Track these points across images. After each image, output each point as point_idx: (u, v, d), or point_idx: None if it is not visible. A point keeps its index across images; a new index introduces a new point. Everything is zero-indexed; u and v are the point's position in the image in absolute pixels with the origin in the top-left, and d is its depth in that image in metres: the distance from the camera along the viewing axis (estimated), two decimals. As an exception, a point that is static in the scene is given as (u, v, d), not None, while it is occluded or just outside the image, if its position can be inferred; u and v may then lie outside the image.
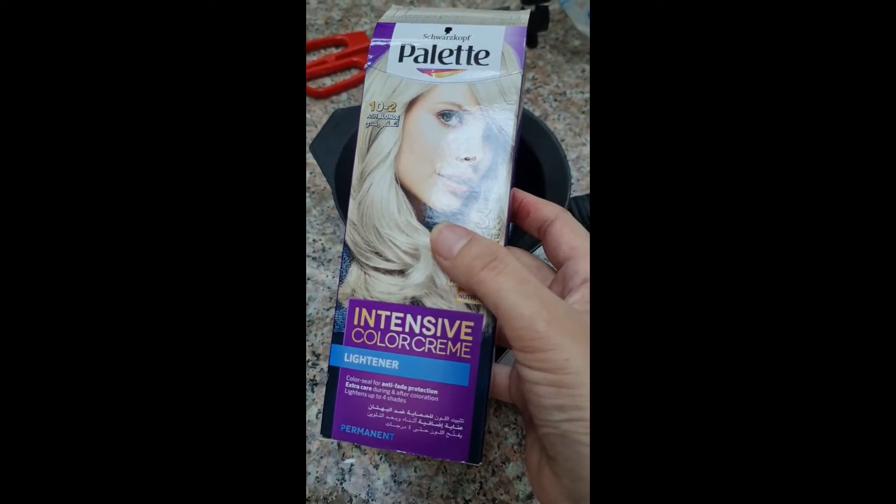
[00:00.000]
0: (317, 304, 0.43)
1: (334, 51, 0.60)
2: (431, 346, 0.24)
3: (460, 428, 0.24)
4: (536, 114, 0.51)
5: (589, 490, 0.20)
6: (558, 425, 0.21)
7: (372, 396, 0.24)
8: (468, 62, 0.25)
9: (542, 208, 0.27)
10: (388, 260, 0.25)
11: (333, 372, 0.25)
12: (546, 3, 0.56)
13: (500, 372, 0.26)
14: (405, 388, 0.24)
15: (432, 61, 0.26)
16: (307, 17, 0.65)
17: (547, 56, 0.61)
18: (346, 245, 0.25)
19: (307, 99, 0.56)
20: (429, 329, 0.24)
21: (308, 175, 0.51)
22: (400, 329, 0.24)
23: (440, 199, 0.25)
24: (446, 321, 0.24)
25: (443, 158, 0.25)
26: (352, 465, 0.36)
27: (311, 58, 0.59)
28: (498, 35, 0.25)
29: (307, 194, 0.50)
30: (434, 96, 0.25)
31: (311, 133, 0.53)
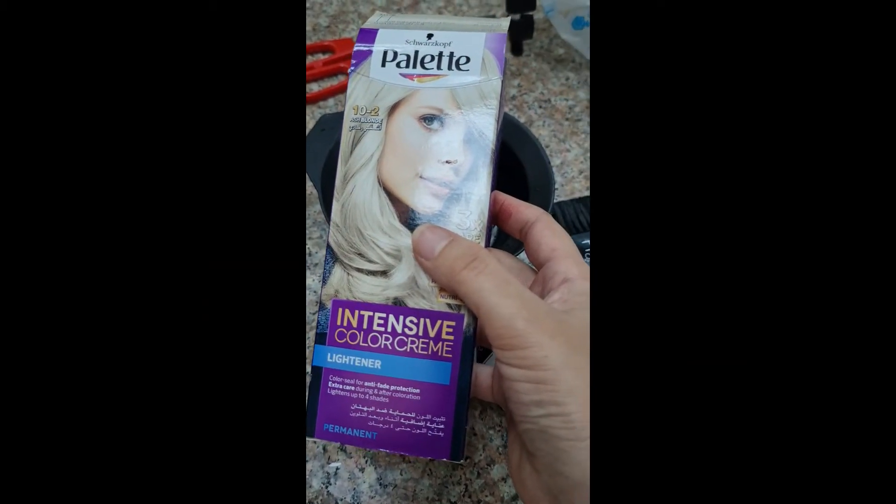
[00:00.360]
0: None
1: (321, 57, 0.60)
2: (413, 346, 0.25)
3: (442, 426, 0.24)
4: (521, 120, 0.51)
5: (568, 485, 0.21)
6: (537, 421, 0.21)
7: (355, 396, 0.25)
8: (449, 67, 0.26)
9: (524, 210, 0.28)
10: (370, 261, 0.25)
11: (317, 372, 0.25)
12: (531, 13, 0.57)
13: (483, 372, 0.26)
14: (388, 387, 0.25)
15: (414, 66, 0.26)
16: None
17: (532, 64, 0.62)
18: (329, 247, 0.26)
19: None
20: (411, 329, 0.25)
21: (295, 180, 0.51)
22: (382, 329, 0.25)
23: (422, 202, 0.25)
24: (428, 321, 0.25)
25: (425, 161, 0.25)
26: (337, 468, 0.36)
27: (298, 64, 0.59)
28: (479, 41, 0.26)
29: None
30: (416, 101, 0.26)
31: (298, 138, 0.54)
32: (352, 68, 0.27)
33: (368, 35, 0.27)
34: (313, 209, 0.50)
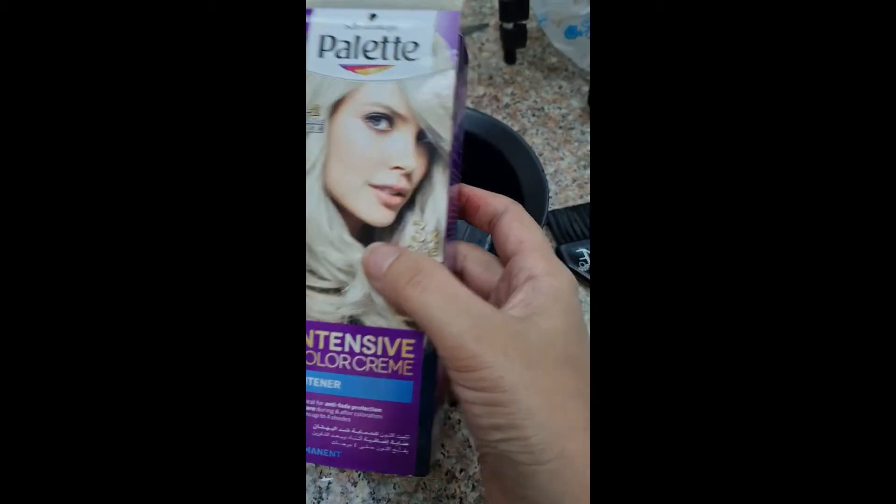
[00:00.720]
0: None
1: None
2: (373, 365, 0.24)
3: (406, 444, 0.24)
4: (515, 128, 0.51)
5: None
6: (496, 445, 0.21)
7: (316, 416, 0.24)
8: (395, 57, 0.23)
9: (492, 201, 0.26)
10: (322, 278, 0.24)
11: (276, 391, 0.25)
12: (524, 22, 0.57)
13: None
14: (349, 407, 0.24)
15: (356, 56, 0.23)
16: None
17: (525, 72, 0.62)
18: (278, 262, 0.24)
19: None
20: (369, 348, 0.23)
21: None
22: (340, 349, 0.24)
23: (372, 213, 0.23)
24: (386, 340, 0.23)
25: (373, 167, 0.23)
26: (329, 483, 0.35)
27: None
28: (428, 23, 0.23)
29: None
30: (360, 97, 0.23)
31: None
32: (287, 58, 0.24)
33: None
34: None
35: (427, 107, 0.23)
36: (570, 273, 0.24)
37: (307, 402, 0.24)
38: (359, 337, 0.23)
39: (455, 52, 0.23)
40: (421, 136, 0.23)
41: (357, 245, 0.23)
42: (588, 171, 0.53)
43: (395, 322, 0.23)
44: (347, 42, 0.23)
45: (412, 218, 0.23)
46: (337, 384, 0.24)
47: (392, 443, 0.24)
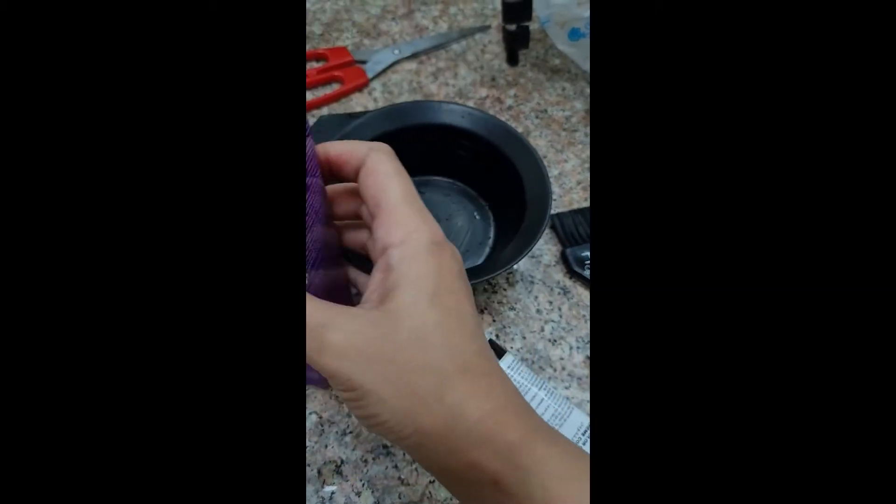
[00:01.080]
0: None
1: (315, 65, 0.63)
2: None
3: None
4: (519, 130, 0.49)
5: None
6: (371, 429, 0.24)
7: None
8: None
9: (352, 152, 0.24)
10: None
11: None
12: (527, 24, 0.58)
13: None
14: None
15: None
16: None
17: (528, 74, 0.62)
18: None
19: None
20: None
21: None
22: None
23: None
24: None
25: None
26: (333, 492, 0.35)
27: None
28: None
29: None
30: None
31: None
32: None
33: None
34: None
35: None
36: (429, 227, 0.23)
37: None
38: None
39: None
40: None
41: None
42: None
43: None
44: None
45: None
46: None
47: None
